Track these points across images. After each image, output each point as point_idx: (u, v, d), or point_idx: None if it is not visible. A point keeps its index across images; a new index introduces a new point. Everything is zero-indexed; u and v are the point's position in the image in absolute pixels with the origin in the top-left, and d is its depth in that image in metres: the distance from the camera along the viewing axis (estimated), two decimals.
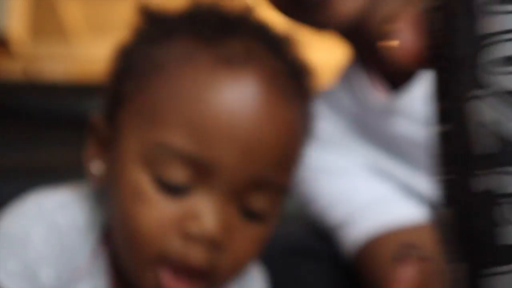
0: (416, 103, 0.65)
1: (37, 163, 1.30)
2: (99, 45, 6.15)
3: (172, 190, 0.44)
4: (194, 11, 0.49)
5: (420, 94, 0.63)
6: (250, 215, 0.46)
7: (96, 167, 0.51)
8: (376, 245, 0.66)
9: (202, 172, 0.44)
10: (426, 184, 0.69)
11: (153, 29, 0.49)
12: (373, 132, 0.71)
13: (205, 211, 0.44)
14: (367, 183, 0.71)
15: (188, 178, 0.44)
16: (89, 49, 6.16)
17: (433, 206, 0.71)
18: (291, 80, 0.48)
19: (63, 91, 1.87)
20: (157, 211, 0.45)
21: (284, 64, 0.48)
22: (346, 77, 0.74)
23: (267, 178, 0.46)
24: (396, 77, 0.65)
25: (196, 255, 0.44)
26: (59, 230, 0.50)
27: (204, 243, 0.44)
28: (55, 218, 0.51)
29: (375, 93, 0.67)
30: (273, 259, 0.70)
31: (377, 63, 0.65)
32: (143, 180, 0.45)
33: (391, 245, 0.65)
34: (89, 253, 0.52)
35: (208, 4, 0.49)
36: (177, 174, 0.44)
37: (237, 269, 0.48)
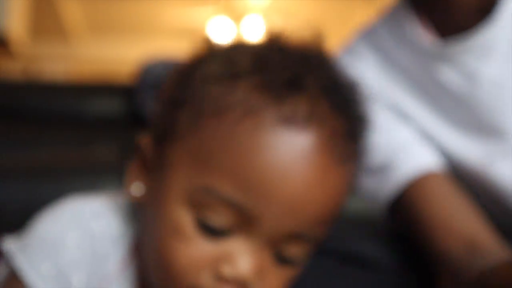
0: (470, 56, 0.63)
1: (37, 163, 1.30)
2: (99, 45, 6.10)
3: (212, 232, 0.45)
4: (265, 53, 0.48)
5: (475, 47, 0.63)
6: (283, 260, 0.47)
7: (136, 188, 0.51)
8: (418, 187, 0.66)
9: (245, 220, 0.45)
10: (450, 137, 0.69)
11: (220, 67, 0.48)
12: (410, 74, 0.70)
13: (241, 254, 0.45)
14: (398, 126, 0.71)
15: (230, 223, 0.45)
16: (89, 49, 6.12)
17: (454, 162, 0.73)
18: (349, 141, 0.48)
19: (63, 91, 1.87)
20: (194, 249, 0.45)
21: (345, 123, 0.47)
22: (393, 17, 0.73)
23: (305, 233, 0.47)
24: (450, 26, 0.64)
25: None
26: (92, 237, 0.51)
27: (236, 284, 0.45)
28: (90, 225, 0.52)
29: (426, 37, 0.66)
30: None
31: (433, 8, 0.65)
32: (185, 219, 0.46)
33: (431, 187, 0.67)
34: (119, 262, 0.52)
35: (281, 45, 0.49)
36: (220, 219, 0.45)
37: None
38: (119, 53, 5.49)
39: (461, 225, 0.63)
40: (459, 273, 0.59)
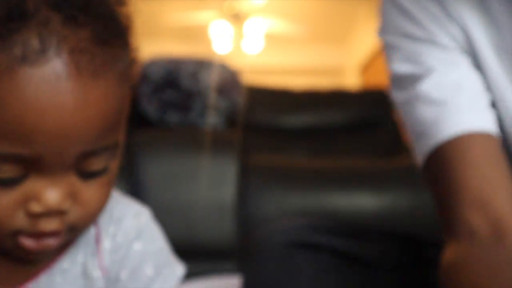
0: None
1: None
2: None
3: (10, 182, 0.45)
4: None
5: None
6: (90, 175, 0.48)
7: None
8: (459, 143, 0.62)
9: (32, 164, 0.45)
10: None
11: None
12: (502, 27, 0.63)
13: (43, 189, 0.45)
14: (471, 74, 0.66)
15: (20, 171, 0.45)
16: None
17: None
18: (98, 50, 0.44)
19: None
20: (1, 201, 0.45)
21: (88, 34, 0.43)
22: None
23: (92, 148, 0.46)
24: None
25: (47, 225, 0.46)
26: None
27: (52, 215, 0.46)
28: None
29: None
30: (272, 252, 0.72)
31: None
32: None
33: (474, 148, 0.62)
34: None
35: None
36: (9, 172, 0.44)
37: (93, 216, 0.51)
38: None
39: (492, 201, 0.58)
40: (481, 255, 0.55)
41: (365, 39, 5.13)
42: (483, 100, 0.64)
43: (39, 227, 0.46)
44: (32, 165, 0.45)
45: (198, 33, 5.44)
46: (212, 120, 1.99)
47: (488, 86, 0.65)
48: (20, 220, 0.46)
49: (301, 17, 5.06)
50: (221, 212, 1.55)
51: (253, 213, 1.58)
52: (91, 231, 0.57)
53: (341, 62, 6.24)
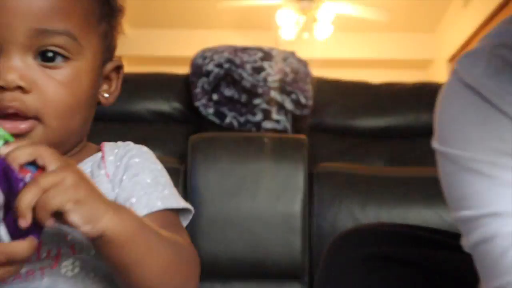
0: None
1: None
2: (157, 39, 6.05)
3: None
4: None
5: None
6: (46, 59, 0.60)
7: None
8: None
9: None
10: None
11: None
12: None
13: (4, 69, 0.57)
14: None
15: None
16: (143, 44, 6.14)
17: None
18: None
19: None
20: None
21: None
22: None
23: (42, 27, 0.59)
24: None
25: (9, 98, 0.57)
26: None
27: (13, 90, 0.57)
28: None
29: None
30: (355, 264, 0.72)
31: None
32: None
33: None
34: None
35: None
36: None
37: (55, 110, 0.60)
38: (173, 47, 5.64)
39: None
40: None
41: (456, 28, 4.94)
42: None
43: (3, 102, 0.57)
44: None
45: (261, 20, 5.45)
46: (276, 121, 1.98)
47: None
48: None
49: (383, 2, 4.93)
50: (288, 226, 1.50)
51: (324, 226, 1.53)
52: (98, 154, 0.68)
53: (429, 53, 6.03)
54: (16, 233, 0.51)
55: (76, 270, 0.61)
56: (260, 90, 1.94)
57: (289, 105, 1.96)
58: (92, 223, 0.51)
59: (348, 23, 5.14)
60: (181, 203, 0.66)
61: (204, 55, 2.03)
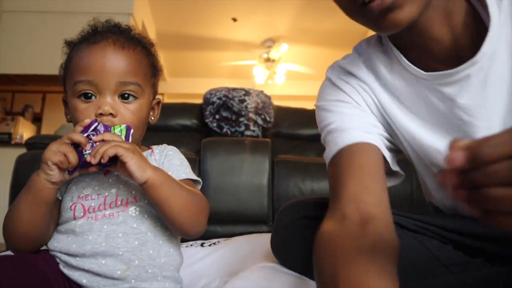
0: (450, 88, 0.54)
1: None
2: (180, 84, 5.95)
3: (88, 97, 0.61)
4: (88, 29, 0.67)
5: (454, 81, 0.53)
6: (124, 98, 0.63)
7: (67, 117, 0.67)
8: (346, 152, 0.58)
9: (96, 87, 0.61)
10: (426, 133, 0.58)
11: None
12: (398, 91, 0.59)
13: (102, 103, 0.60)
14: (368, 117, 0.62)
15: (92, 89, 0.61)
16: (174, 86, 6.02)
17: None
18: (128, 42, 0.65)
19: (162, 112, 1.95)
20: (85, 109, 0.61)
21: (119, 37, 0.64)
22: (385, 49, 0.60)
23: (124, 81, 0.62)
24: (433, 65, 0.54)
25: (105, 120, 0.60)
26: None
27: (107, 116, 0.60)
28: None
29: (414, 70, 0.55)
30: (295, 222, 0.70)
31: (420, 54, 0.56)
32: (76, 101, 0.62)
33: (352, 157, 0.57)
34: None
35: (93, 24, 0.67)
36: (87, 89, 0.61)
37: (133, 124, 0.62)
38: (193, 88, 5.58)
39: (363, 199, 0.52)
40: (344, 232, 0.49)
41: None
42: (373, 129, 0.60)
43: (102, 120, 0.60)
44: (93, 87, 0.61)
45: (244, 73, 5.43)
46: (253, 131, 1.97)
47: (396, 132, 0.62)
48: (94, 117, 0.60)
49: (311, 62, 4.95)
50: (259, 192, 1.53)
51: (280, 193, 1.55)
52: (148, 151, 0.69)
53: None
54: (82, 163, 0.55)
55: (137, 212, 0.61)
56: (243, 113, 1.94)
57: (260, 121, 1.97)
58: (141, 172, 0.54)
59: (294, 75, 5.15)
60: (195, 177, 0.66)
61: (210, 92, 2.04)
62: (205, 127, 2.02)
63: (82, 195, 0.61)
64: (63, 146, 0.55)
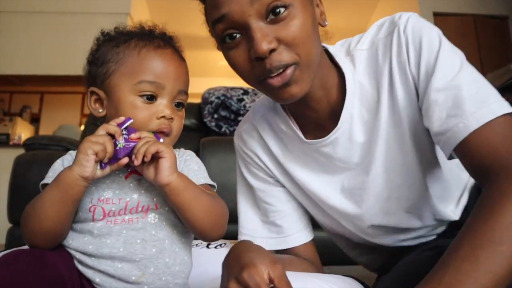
0: (327, 147, 0.66)
1: None
2: None
3: (148, 100, 0.62)
4: (139, 29, 0.68)
5: (329, 143, 0.66)
6: (178, 105, 0.65)
7: (98, 111, 0.65)
8: None
9: (159, 89, 0.62)
10: (314, 180, 0.70)
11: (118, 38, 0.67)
12: (291, 148, 0.71)
13: (163, 107, 0.62)
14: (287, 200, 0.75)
15: (153, 92, 0.62)
16: None
17: None
18: (180, 55, 0.68)
19: None
20: (144, 111, 0.62)
21: (176, 49, 0.68)
22: (275, 111, 0.71)
23: (183, 89, 0.65)
24: (314, 130, 0.67)
25: (164, 126, 0.62)
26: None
27: (167, 120, 0.62)
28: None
29: (299, 134, 0.67)
30: None
31: (303, 121, 0.68)
32: (134, 99, 0.62)
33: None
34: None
35: (142, 25, 0.69)
36: (149, 90, 0.61)
37: (179, 131, 0.66)
38: (191, 87, 5.57)
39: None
40: None
41: None
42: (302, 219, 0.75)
43: (161, 126, 0.62)
44: (159, 90, 0.62)
45: None
46: None
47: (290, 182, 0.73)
48: (154, 123, 0.62)
49: None
50: None
51: None
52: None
53: None
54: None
55: (156, 219, 0.61)
56: (242, 112, 1.93)
57: None
58: (169, 172, 0.56)
59: None
60: (212, 181, 0.67)
61: (209, 91, 2.04)
62: (204, 126, 2.02)
63: (102, 198, 0.61)
64: (101, 137, 0.57)
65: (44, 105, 4.88)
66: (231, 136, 1.87)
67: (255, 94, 1.99)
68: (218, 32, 0.54)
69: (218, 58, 5.14)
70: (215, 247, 0.99)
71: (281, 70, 0.52)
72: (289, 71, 0.52)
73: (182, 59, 0.67)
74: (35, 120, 4.83)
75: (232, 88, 2.02)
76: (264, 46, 0.50)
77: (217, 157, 1.55)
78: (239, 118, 1.96)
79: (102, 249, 0.59)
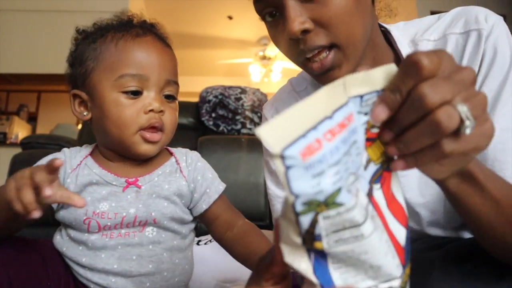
0: None
1: None
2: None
3: (133, 95, 0.57)
4: (116, 20, 0.64)
5: None
6: (168, 97, 0.61)
7: (83, 114, 0.61)
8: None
9: (144, 82, 0.57)
10: None
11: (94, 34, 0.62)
12: None
13: (151, 100, 0.58)
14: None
15: (138, 86, 0.57)
16: None
17: None
18: (164, 40, 0.63)
19: None
20: (130, 107, 0.57)
21: (159, 35, 0.63)
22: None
23: (170, 79, 0.60)
24: None
25: (155, 120, 0.58)
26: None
27: (157, 113, 0.58)
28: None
29: None
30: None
31: None
32: (117, 96, 0.57)
33: None
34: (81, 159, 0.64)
35: (119, 16, 0.65)
36: (133, 86, 0.57)
37: (173, 125, 0.61)
38: (189, 86, 5.58)
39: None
40: None
41: None
42: None
43: (151, 120, 0.57)
44: (143, 82, 0.57)
45: (240, 71, 5.42)
46: (249, 129, 1.97)
47: None
48: (142, 119, 0.57)
49: None
50: (256, 190, 1.52)
51: None
52: (172, 159, 0.65)
53: None
54: None
55: (154, 233, 0.60)
56: (239, 111, 1.93)
57: (256, 119, 1.97)
58: None
59: (290, 72, 5.12)
60: (223, 183, 0.67)
61: (206, 90, 2.03)
62: (202, 125, 2.02)
63: (98, 211, 0.57)
64: (24, 186, 0.46)
65: (41, 104, 4.85)
66: (229, 135, 1.94)
67: (253, 93, 2.00)
68: (258, 11, 0.51)
69: (216, 57, 5.15)
70: (205, 243, 1.00)
71: (316, 52, 0.48)
72: (329, 56, 0.48)
73: (166, 46, 0.62)
74: (32, 119, 4.80)
75: (230, 87, 2.02)
76: (296, 26, 0.46)
77: (215, 156, 1.54)
78: (237, 117, 1.95)
79: (96, 263, 0.57)
